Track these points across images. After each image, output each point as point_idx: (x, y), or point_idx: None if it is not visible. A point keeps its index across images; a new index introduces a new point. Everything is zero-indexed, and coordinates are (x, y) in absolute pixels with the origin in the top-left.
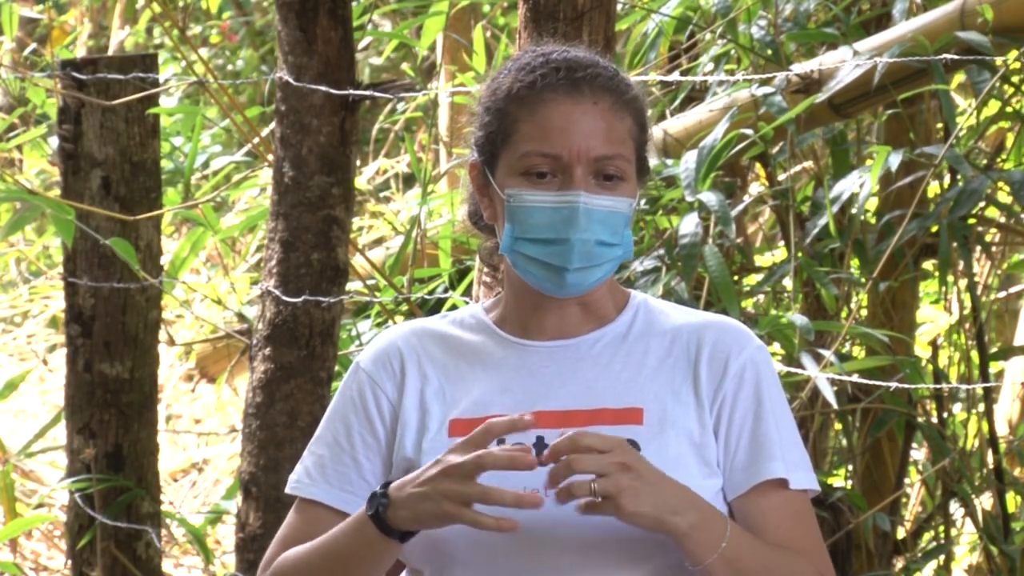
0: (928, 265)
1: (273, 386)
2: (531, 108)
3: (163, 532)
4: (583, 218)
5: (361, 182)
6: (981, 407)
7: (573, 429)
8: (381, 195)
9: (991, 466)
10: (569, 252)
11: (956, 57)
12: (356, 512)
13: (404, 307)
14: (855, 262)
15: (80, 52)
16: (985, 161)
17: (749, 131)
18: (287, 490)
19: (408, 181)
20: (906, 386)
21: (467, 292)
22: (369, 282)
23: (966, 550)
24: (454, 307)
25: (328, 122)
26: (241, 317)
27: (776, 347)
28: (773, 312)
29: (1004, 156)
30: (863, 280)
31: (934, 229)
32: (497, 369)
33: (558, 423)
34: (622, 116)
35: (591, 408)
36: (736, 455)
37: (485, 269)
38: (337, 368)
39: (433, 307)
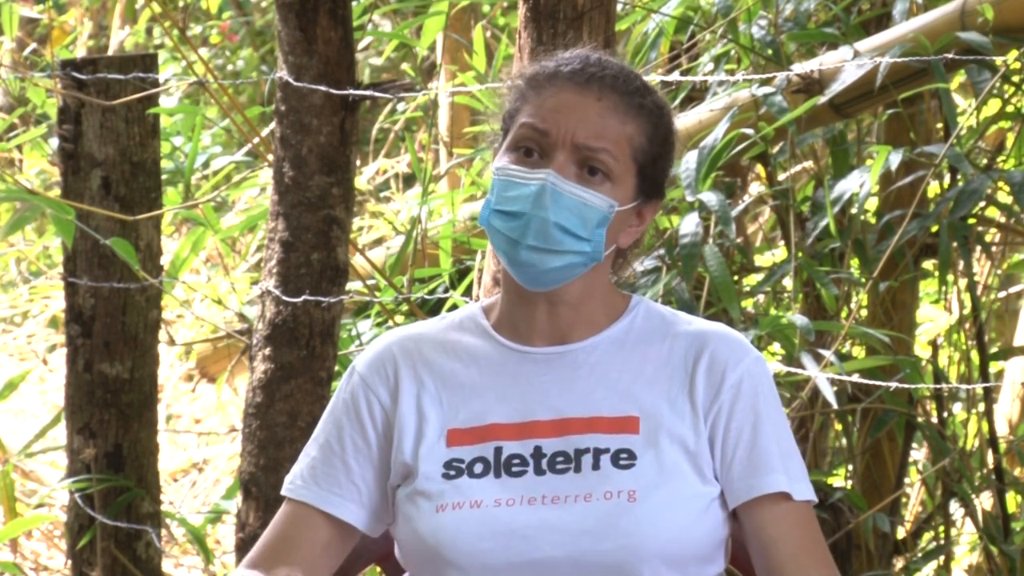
0: (928, 265)
1: (273, 386)
2: (539, 90)
3: (163, 532)
4: (546, 197)
5: (361, 182)
6: (981, 407)
7: (570, 437)
8: (381, 195)
9: (991, 466)
10: (525, 227)
11: (956, 57)
12: (341, 515)
13: (404, 307)
14: (855, 262)
15: (80, 52)
16: (985, 161)
17: (749, 131)
18: (282, 491)
19: (408, 181)
20: (906, 386)
21: (467, 292)
22: (369, 282)
23: (966, 550)
24: (454, 307)
25: (328, 122)
26: (241, 317)
27: (776, 347)
28: (773, 312)
29: (1004, 156)
30: (863, 280)
31: (934, 229)
32: (495, 377)
33: (555, 432)
34: (624, 120)
35: (587, 416)
36: (733, 466)
37: (492, 266)
38: (337, 368)
39: (433, 307)
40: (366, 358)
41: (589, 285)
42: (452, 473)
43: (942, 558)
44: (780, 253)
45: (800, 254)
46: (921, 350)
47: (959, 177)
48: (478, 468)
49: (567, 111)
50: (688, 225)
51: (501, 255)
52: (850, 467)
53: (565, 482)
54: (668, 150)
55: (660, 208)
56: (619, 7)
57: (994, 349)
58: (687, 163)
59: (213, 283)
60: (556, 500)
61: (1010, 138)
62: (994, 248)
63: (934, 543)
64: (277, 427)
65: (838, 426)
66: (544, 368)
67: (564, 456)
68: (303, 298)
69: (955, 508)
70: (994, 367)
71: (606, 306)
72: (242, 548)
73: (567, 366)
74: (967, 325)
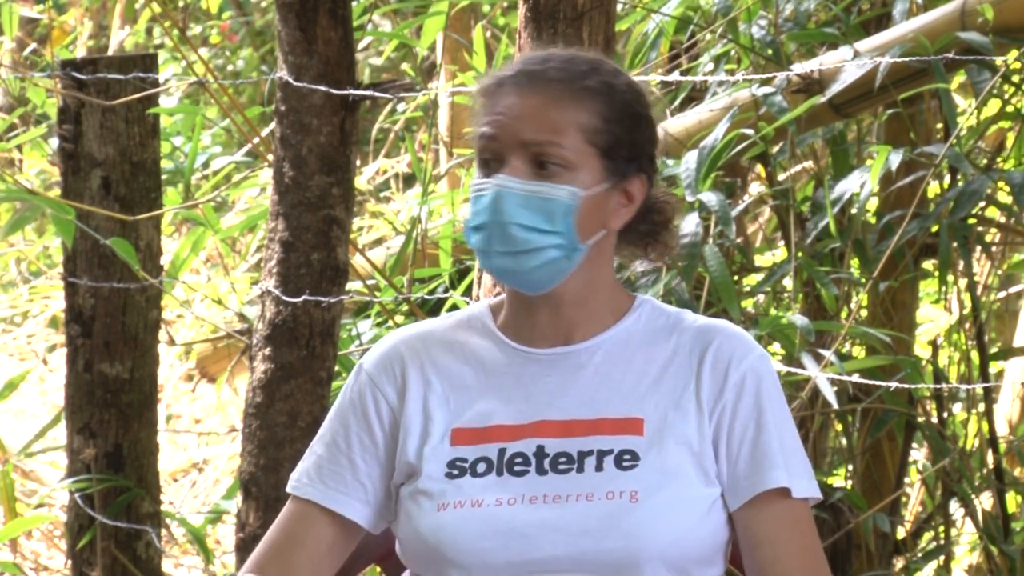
0: (928, 265)
1: (273, 386)
2: (488, 99)
3: (163, 532)
4: (500, 201)
5: (361, 182)
6: (981, 407)
7: (574, 439)
8: (381, 195)
9: (991, 466)
10: (488, 236)
11: (956, 57)
12: (347, 513)
13: (404, 307)
14: (855, 262)
15: (80, 52)
16: (985, 161)
17: (749, 131)
18: (287, 489)
19: (408, 181)
20: (906, 386)
21: (467, 292)
22: (369, 282)
23: (966, 550)
24: (455, 307)
25: (328, 122)
26: (241, 317)
27: (776, 347)
28: (773, 312)
29: (1004, 156)
30: (863, 280)
31: (934, 229)
32: (500, 378)
33: (559, 433)
34: (569, 107)
35: (591, 418)
36: (737, 464)
37: None
38: (337, 368)
39: (433, 307)
40: (373, 357)
41: (589, 281)
42: (455, 472)
43: (942, 558)
44: (780, 253)
45: (800, 254)
46: (921, 350)
47: (959, 177)
48: (481, 468)
49: (511, 113)
50: (688, 225)
51: (484, 269)
52: (850, 467)
53: (567, 482)
54: (635, 122)
55: (655, 182)
56: (619, 7)
57: (994, 349)
58: (687, 163)
59: (213, 283)
60: (557, 499)
61: (1010, 138)
62: (994, 248)
63: (934, 543)
64: (277, 427)
65: (838, 426)
66: (549, 369)
67: (567, 457)
68: (303, 298)
69: (955, 508)
70: (994, 367)
71: (611, 304)
72: (242, 548)
73: (571, 367)
74: (967, 325)
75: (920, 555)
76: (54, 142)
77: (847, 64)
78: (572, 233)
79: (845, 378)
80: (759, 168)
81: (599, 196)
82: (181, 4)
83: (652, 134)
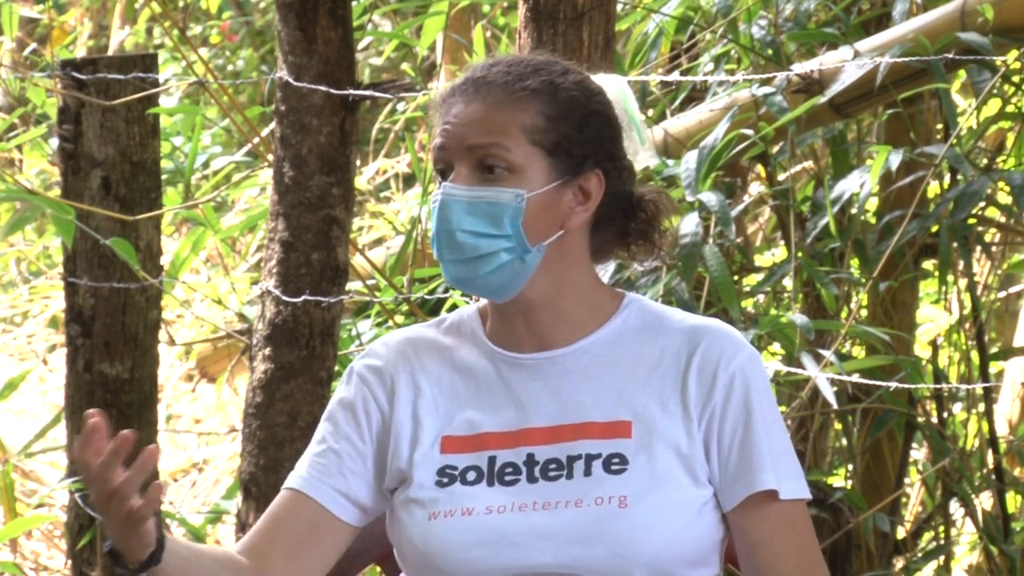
0: (928, 265)
1: (273, 386)
2: (438, 112)
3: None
4: (446, 209)
5: (361, 182)
6: (981, 407)
7: (563, 444)
8: (381, 195)
9: (991, 466)
10: (439, 245)
11: (956, 57)
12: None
13: (404, 307)
14: (855, 262)
15: (80, 52)
16: (985, 161)
17: (749, 131)
18: None
19: (408, 181)
20: (906, 386)
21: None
22: (369, 282)
23: (966, 550)
24: (454, 307)
25: (328, 122)
26: (241, 317)
27: (776, 347)
28: (773, 312)
29: (1004, 156)
30: (863, 280)
31: (934, 229)
32: (489, 384)
33: (547, 439)
34: (511, 109)
35: (578, 422)
36: (728, 466)
37: None
38: (337, 368)
39: (433, 307)
40: (364, 361)
41: (556, 284)
42: (445, 480)
43: (942, 558)
44: (780, 253)
45: (800, 254)
46: (921, 350)
47: (959, 177)
48: (471, 476)
49: (458, 121)
50: (688, 225)
51: (445, 279)
52: (850, 467)
53: (557, 488)
54: (584, 120)
55: (630, 179)
56: (619, 7)
57: (994, 349)
58: (687, 163)
59: (213, 283)
60: (547, 506)
61: (1010, 138)
62: (994, 248)
63: (934, 543)
64: (277, 427)
65: (838, 426)
66: (536, 375)
67: (557, 463)
68: (303, 298)
69: (955, 508)
70: (994, 367)
71: (592, 306)
72: None
73: (558, 372)
74: (967, 325)
75: (920, 555)
76: (54, 142)
77: (847, 64)
78: (521, 235)
79: (845, 378)
80: (759, 168)
81: (549, 196)
82: (181, 4)
83: (609, 131)
